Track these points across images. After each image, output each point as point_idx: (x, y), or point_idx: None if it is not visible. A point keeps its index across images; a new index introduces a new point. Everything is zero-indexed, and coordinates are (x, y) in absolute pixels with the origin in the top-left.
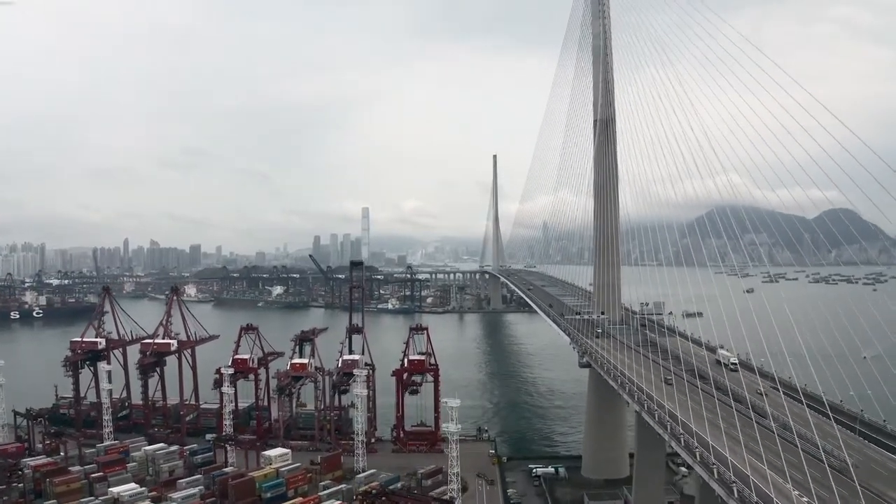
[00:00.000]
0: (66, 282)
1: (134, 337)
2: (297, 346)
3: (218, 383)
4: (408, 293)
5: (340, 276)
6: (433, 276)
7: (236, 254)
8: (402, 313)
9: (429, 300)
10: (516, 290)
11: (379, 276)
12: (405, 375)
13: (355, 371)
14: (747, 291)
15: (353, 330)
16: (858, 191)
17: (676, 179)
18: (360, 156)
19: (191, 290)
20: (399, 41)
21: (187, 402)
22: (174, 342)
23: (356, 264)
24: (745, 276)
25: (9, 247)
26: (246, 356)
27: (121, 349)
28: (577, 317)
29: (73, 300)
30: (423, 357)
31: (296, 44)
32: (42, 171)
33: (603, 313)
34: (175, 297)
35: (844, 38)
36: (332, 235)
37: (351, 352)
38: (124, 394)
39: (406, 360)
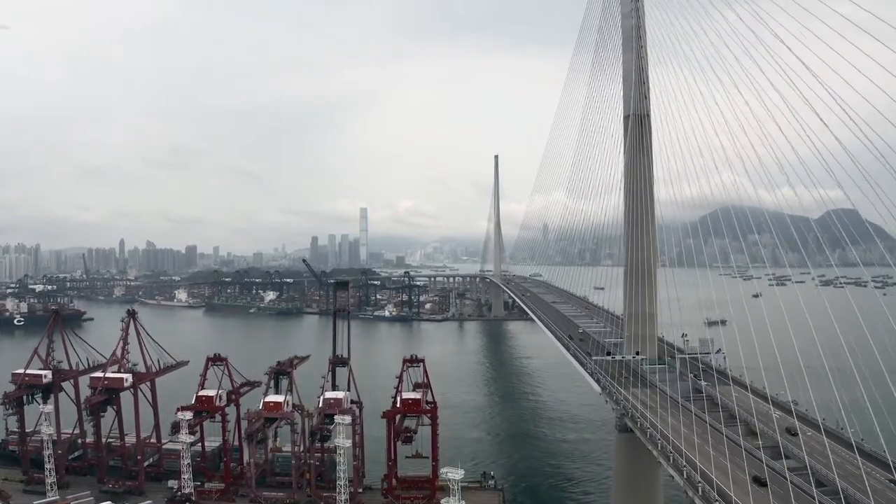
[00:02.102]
0: (51, 287)
1: (91, 364)
2: (273, 380)
3: (175, 428)
4: (405, 298)
5: (335, 280)
6: (432, 279)
7: (233, 254)
8: (400, 321)
9: (427, 306)
10: (529, 312)
11: (375, 282)
12: (397, 418)
13: (337, 418)
14: (755, 296)
15: (338, 361)
16: (863, 191)
17: (678, 180)
18: (356, 156)
19: (181, 295)
20: (394, 40)
21: (148, 441)
22: (128, 376)
23: (341, 284)
24: (750, 278)
25: (1, 248)
26: (212, 392)
27: (72, 380)
28: (609, 358)
29: (56, 307)
30: (418, 395)
31: (288, 42)
32: (34, 171)
33: (638, 353)
34: (133, 321)
35: (845, 34)
36: (330, 236)
37: (335, 387)
38: (77, 430)
39: (399, 399)
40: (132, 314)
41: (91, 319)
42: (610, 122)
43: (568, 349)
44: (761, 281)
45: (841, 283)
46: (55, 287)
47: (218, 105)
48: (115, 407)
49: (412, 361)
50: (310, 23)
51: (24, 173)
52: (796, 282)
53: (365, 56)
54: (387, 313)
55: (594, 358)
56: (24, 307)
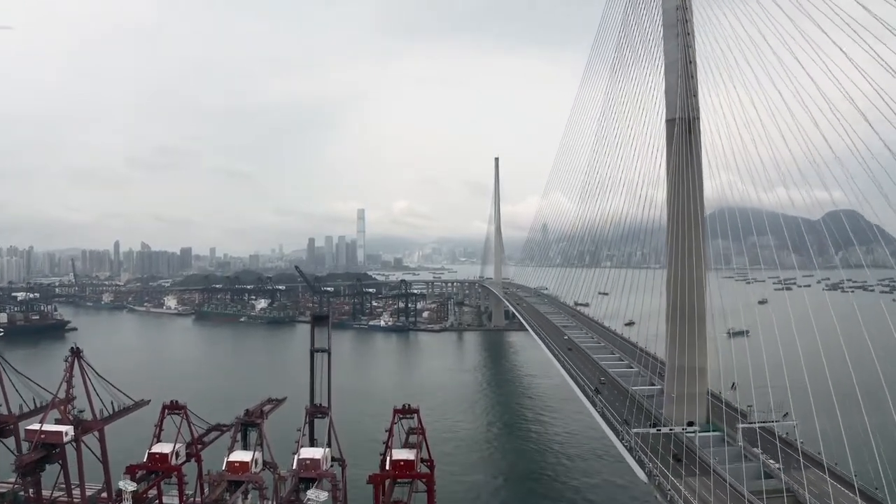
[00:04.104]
0: (33, 295)
1: (38, 404)
2: (241, 433)
3: (118, 498)
4: (402, 305)
5: (329, 287)
6: (430, 286)
7: (230, 255)
8: (396, 331)
9: (425, 314)
10: (552, 357)
11: (370, 290)
12: (387, 483)
13: (311, 493)
14: (761, 302)
15: (316, 411)
16: (865, 191)
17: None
18: (354, 156)
19: (171, 302)
20: (391, 40)
21: (99, 497)
22: (69, 429)
23: (320, 318)
24: (752, 281)
25: None
26: (168, 448)
27: (12, 425)
28: (653, 430)
29: (37, 317)
30: (412, 455)
31: (287, 43)
32: (27, 171)
33: (691, 423)
34: (76, 360)
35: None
36: (327, 237)
37: (313, 441)
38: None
39: (388, 459)
40: (76, 352)
41: (75, 329)
42: (635, 121)
43: (594, 405)
44: (765, 284)
45: (850, 288)
46: (39, 294)
47: (214, 105)
48: (59, 461)
49: (405, 412)
50: (308, 23)
51: (16, 174)
52: (803, 285)
53: (363, 56)
54: (382, 323)
55: (634, 430)
56: (3, 317)
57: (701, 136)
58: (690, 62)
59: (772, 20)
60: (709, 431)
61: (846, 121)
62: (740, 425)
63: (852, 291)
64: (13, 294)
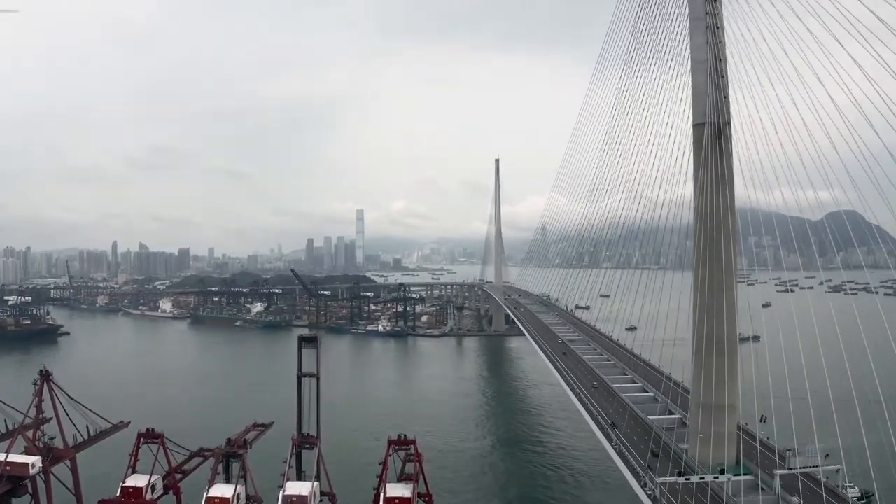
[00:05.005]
0: (25, 298)
1: (9, 427)
2: (223, 464)
3: None
4: (400, 309)
5: (327, 291)
6: (429, 289)
7: (228, 256)
8: (394, 336)
9: (423, 318)
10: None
11: (368, 293)
12: None
13: None
14: (765, 305)
15: (303, 441)
16: (865, 192)
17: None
18: (353, 156)
19: (166, 306)
20: (385, 39)
21: None
22: (36, 460)
23: (308, 340)
24: (753, 282)
25: None
26: (143, 481)
27: None
28: (682, 480)
29: (29, 321)
30: (408, 492)
31: (284, 43)
32: (22, 172)
33: (723, 471)
34: (46, 383)
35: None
36: (326, 238)
37: (300, 473)
38: None
39: (382, 497)
40: (45, 375)
41: (67, 334)
42: (649, 123)
43: (610, 441)
44: (767, 286)
45: (853, 290)
46: (31, 298)
47: (213, 106)
48: (28, 493)
49: (400, 443)
50: (306, 23)
51: (14, 174)
52: (805, 287)
53: (362, 56)
54: (380, 328)
55: (660, 480)
56: None
57: (732, 141)
58: (720, 59)
59: (776, 22)
60: (739, 475)
61: (849, 121)
62: (777, 471)
63: (855, 294)
64: (5, 298)
